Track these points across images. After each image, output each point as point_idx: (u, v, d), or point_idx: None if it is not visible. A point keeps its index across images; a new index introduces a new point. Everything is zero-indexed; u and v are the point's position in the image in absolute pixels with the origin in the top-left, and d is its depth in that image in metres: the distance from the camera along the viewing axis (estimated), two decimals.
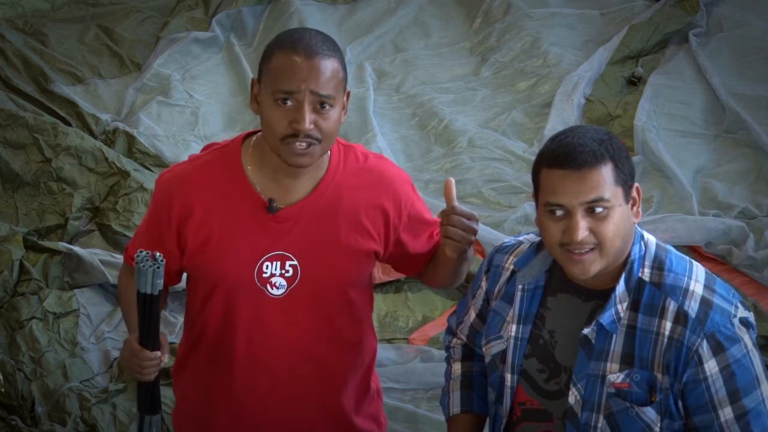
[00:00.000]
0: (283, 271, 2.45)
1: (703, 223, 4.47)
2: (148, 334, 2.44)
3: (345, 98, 2.41)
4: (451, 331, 2.57)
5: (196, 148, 5.10)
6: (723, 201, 4.67)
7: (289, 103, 2.32)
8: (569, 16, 5.97)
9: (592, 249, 2.14)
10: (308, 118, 2.31)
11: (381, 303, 4.20)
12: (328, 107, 2.33)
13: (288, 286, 2.45)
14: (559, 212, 2.15)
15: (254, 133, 2.50)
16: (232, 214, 2.44)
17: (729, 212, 4.59)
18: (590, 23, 5.93)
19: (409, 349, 4.06)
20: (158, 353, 2.44)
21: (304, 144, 2.32)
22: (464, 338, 2.52)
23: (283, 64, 2.33)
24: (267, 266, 2.44)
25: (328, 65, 2.33)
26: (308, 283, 2.45)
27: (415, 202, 2.54)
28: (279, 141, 2.33)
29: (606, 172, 2.13)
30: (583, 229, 2.12)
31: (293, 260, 2.44)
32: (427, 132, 5.30)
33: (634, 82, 5.45)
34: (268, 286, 2.45)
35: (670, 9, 5.78)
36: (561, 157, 2.14)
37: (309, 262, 2.44)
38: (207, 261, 2.46)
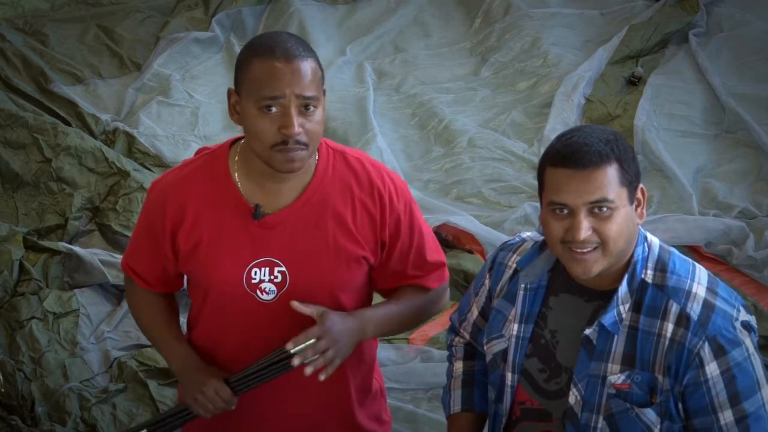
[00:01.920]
0: (272, 277, 2.44)
1: (703, 223, 4.47)
2: (251, 385, 2.47)
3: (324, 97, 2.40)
4: (453, 329, 2.57)
5: (196, 148, 5.09)
6: (723, 201, 4.67)
7: (274, 109, 2.30)
8: (569, 16, 5.98)
9: (595, 248, 2.14)
10: (296, 122, 2.29)
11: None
12: (312, 108, 2.31)
13: (278, 292, 2.44)
14: (562, 211, 2.15)
15: (241, 138, 2.48)
16: (220, 220, 2.43)
17: (729, 212, 4.59)
18: (590, 23, 5.93)
19: (409, 349, 4.05)
20: (234, 401, 2.47)
21: (295, 151, 2.31)
22: (467, 336, 2.52)
23: (264, 72, 2.30)
24: (255, 272, 2.43)
25: (308, 66, 2.31)
26: (297, 288, 2.44)
27: (401, 217, 2.49)
28: (269, 149, 2.32)
29: (611, 173, 2.12)
30: (585, 228, 2.12)
31: (281, 266, 2.43)
32: (427, 132, 5.30)
33: (634, 82, 5.45)
34: (258, 292, 2.45)
35: (670, 9, 5.78)
36: (566, 157, 2.14)
37: (297, 268, 2.43)
38: (197, 267, 2.47)
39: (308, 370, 2.39)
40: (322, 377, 2.41)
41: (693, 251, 4.41)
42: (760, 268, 4.30)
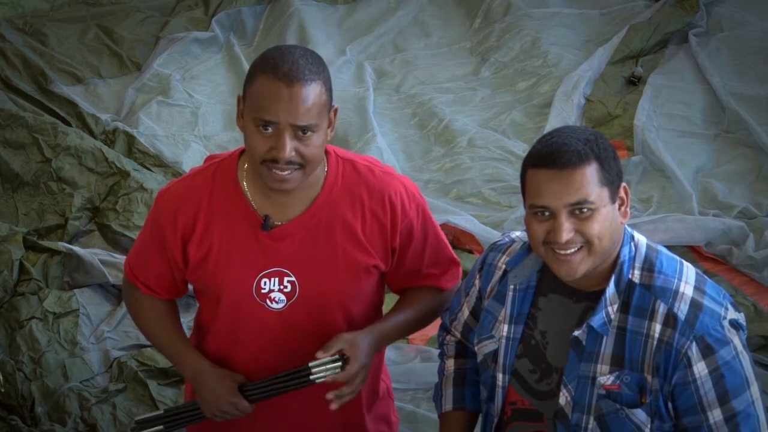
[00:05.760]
0: (282, 287, 2.44)
1: (703, 223, 4.47)
2: (265, 395, 2.48)
3: (332, 115, 2.37)
4: (444, 328, 2.57)
5: (196, 148, 5.11)
6: (723, 201, 4.67)
7: (269, 129, 2.29)
8: (569, 16, 5.97)
9: (580, 248, 2.13)
10: (288, 147, 2.27)
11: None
12: (310, 133, 2.30)
13: (287, 301, 2.45)
14: (544, 214, 2.15)
15: None
16: (230, 230, 2.43)
17: (729, 212, 4.59)
18: (590, 23, 5.93)
19: (409, 349, 4.05)
20: (251, 408, 2.49)
21: (286, 171, 2.30)
22: (458, 335, 2.52)
23: (264, 90, 2.28)
24: (265, 282, 2.44)
25: (310, 92, 2.28)
26: (307, 297, 2.45)
27: (413, 221, 2.49)
28: (259, 163, 2.31)
29: (590, 173, 2.12)
30: (567, 231, 2.12)
31: (291, 276, 2.43)
32: (427, 132, 5.30)
33: (634, 82, 5.45)
34: (268, 301, 2.45)
35: (670, 9, 5.78)
36: (545, 157, 2.14)
37: (307, 278, 2.43)
38: (207, 276, 2.47)
39: (333, 406, 2.41)
40: (334, 407, 2.42)
41: (693, 251, 4.41)
42: (760, 268, 4.30)
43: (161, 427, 2.61)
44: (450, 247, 2.62)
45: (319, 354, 2.40)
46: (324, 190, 2.43)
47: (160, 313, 2.61)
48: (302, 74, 2.28)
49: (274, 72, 2.28)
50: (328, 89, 2.34)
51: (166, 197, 2.50)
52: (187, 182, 2.50)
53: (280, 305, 2.45)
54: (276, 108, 2.27)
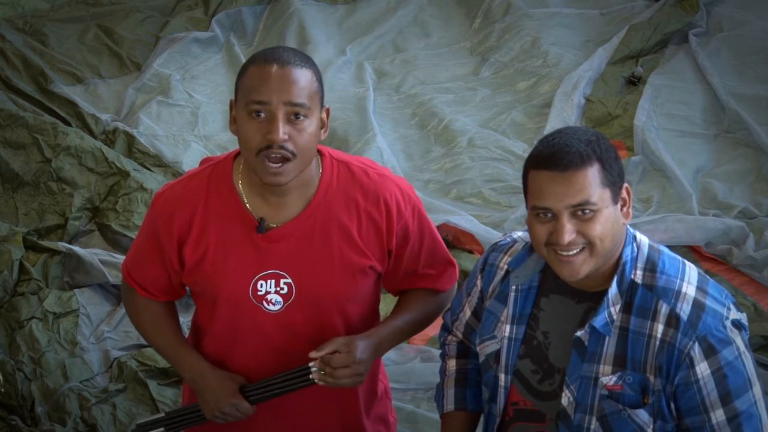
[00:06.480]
0: (278, 289, 2.44)
1: (703, 223, 4.47)
2: (266, 396, 2.49)
3: (324, 115, 2.37)
4: (446, 328, 2.57)
5: (196, 148, 5.11)
6: (723, 201, 4.67)
7: (262, 115, 2.28)
8: (569, 16, 5.98)
9: (582, 249, 2.14)
10: (282, 129, 2.27)
11: (381, 303, 4.18)
12: (302, 118, 2.29)
13: (284, 303, 2.45)
14: (546, 215, 2.15)
15: None
16: (226, 232, 2.43)
17: (729, 212, 4.59)
18: (590, 23, 5.93)
19: (409, 349, 4.05)
20: (252, 409, 2.49)
21: (279, 162, 2.29)
22: (460, 335, 2.52)
23: (255, 76, 2.30)
24: (261, 285, 2.43)
25: (301, 74, 2.29)
26: (304, 299, 2.44)
27: (409, 223, 2.49)
28: (254, 156, 2.30)
29: (592, 174, 2.12)
30: (569, 232, 2.12)
31: (287, 278, 2.43)
32: (427, 132, 5.30)
33: (634, 82, 5.45)
34: (264, 303, 2.45)
35: (670, 9, 5.78)
36: (547, 159, 2.14)
37: (303, 280, 2.43)
38: (203, 278, 2.47)
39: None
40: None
41: (693, 251, 4.41)
42: (760, 268, 4.30)
43: (162, 429, 2.61)
44: (446, 249, 2.62)
45: (313, 354, 2.40)
46: (319, 191, 2.43)
47: (158, 316, 2.61)
48: (292, 60, 2.31)
49: (264, 60, 2.31)
50: (319, 81, 2.35)
51: (162, 200, 2.49)
52: (182, 185, 2.50)
53: (277, 307, 2.45)
54: (267, 87, 2.27)
